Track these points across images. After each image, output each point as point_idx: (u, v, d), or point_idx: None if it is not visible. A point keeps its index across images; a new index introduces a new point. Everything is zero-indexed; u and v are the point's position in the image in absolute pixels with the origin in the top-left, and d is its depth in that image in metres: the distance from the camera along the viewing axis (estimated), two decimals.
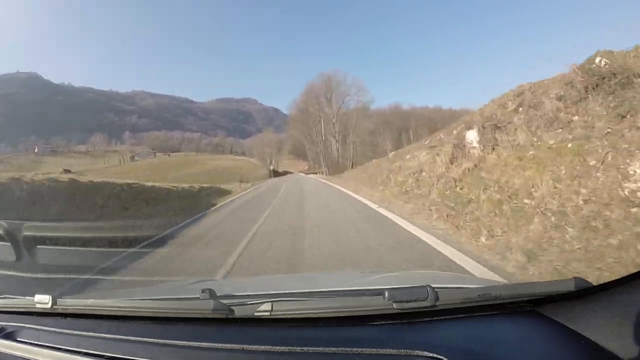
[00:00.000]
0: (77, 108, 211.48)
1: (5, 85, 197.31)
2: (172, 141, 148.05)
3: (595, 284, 0.78)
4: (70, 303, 1.14)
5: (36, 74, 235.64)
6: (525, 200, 3.82)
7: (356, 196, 9.91)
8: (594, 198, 3.09)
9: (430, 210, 5.55)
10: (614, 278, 0.78)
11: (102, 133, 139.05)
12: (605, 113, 4.01)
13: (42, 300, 1.11)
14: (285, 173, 77.47)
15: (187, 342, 0.86)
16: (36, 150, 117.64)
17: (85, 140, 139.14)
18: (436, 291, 0.80)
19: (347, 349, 0.75)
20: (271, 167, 66.01)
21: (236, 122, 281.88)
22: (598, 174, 3.31)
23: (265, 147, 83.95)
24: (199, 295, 0.98)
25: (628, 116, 3.71)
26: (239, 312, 0.92)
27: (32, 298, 1.15)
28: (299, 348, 0.78)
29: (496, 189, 4.52)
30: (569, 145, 4.05)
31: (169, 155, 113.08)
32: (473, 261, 3.05)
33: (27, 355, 0.97)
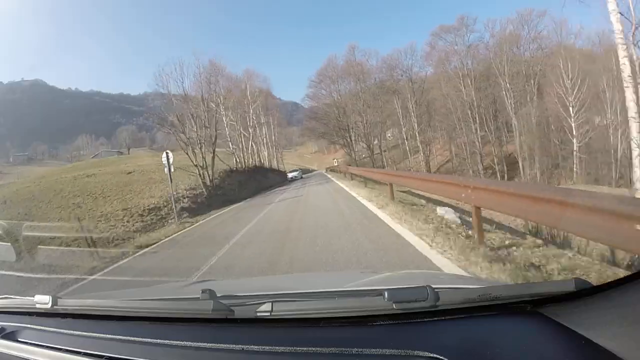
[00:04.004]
0: (82, 112, 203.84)
1: (8, 93, 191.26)
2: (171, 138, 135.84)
3: (595, 284, 0.77)
4: (71, 303, 1.13)
5: (41, 80, 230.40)
6: None
7: None
8: None
9: None
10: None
11: (90, 135, 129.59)
12: None
13: (42, 301, 1.11)
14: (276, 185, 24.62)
15: (187, 343, 0.86)
16: (11, 159, 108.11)
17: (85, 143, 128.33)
18: (436, 291, 0.79)
19: (348, 349, 0.75)
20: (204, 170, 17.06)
21: None
22: None
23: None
24: (199, 296, 0.97)
25: None
26: (239, 312, 0.91)
27: (32, 298, 1.14)
28: (299, 348, 0.77)
29: None
30: None
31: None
32: None
33: (27, 356, 0.96)
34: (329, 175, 26.08)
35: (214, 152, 20.95)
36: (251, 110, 33.76)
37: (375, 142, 35.22)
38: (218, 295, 0.97)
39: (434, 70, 36.22)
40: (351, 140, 36.15)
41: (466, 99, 31.45)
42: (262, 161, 35.72)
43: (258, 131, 36.45)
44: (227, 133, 28.18)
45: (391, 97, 34.54)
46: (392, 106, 34.79)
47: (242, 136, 31.36)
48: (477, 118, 30.95)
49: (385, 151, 37.92)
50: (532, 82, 32.07)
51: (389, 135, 39.67)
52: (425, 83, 36.15)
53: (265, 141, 38.51)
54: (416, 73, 36.96)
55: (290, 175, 32.74)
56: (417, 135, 33.56)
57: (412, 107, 33.11)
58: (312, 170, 50.15)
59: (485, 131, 31.81)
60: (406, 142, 35.01)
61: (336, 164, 39.89)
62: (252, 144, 33.13)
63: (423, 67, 37.35)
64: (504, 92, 31.68)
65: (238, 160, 27.67)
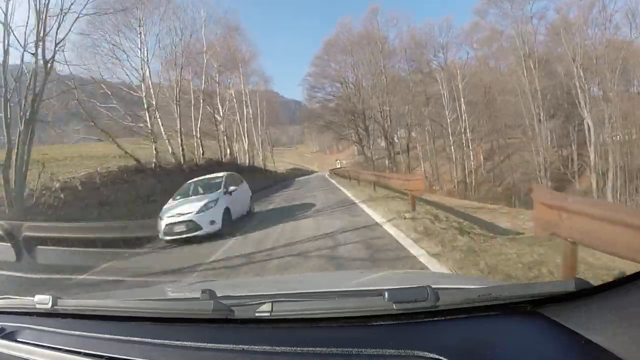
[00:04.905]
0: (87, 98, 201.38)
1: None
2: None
3: (595, 284, 0.77)
4: (71, 303, 1.13)
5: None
6: None
7: None
8: None
9: None
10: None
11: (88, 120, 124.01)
12: None
13: (43, 301, 1.10)
14: None
15: (187, 343, 0.86)
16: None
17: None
18: (436, 292, 0.79)
19: (348, 349, 0.75)
20: None
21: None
22: None
23: None
24: (199, 296, 0.97)
25: None
26: (239, 312, 0.91)
27: (32, 298, 1.13)
28: (299, 349, 0.78)
29: None
30: None
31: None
32: None
33: (27, 356, 0.96)
34: (348, 193, 11.97)
35: (7, 128, 8.56)
36: (206, 58, 20.66)
37: (395, 138, 26.51)
38: (218, 295, 0.97)
39: (480, 47, 27.70)
40: (368, 133, 26.20)
41: (529, 87, 22.79)
42: (235, 155, 24.08)
43: (237, 110, 24.96)
44: (153, 94, 16.20)
45: (424, 79, 25.93)
46: (423, 91, 26.16)
47: (191, 107, 19.47)
48: (541, 113, 22.33)
49: (399, 153, 29.24)
50: (614, 70, 23.19)
51: (395, 137, 31.70)
52: (465, 66, 27.60)
53: (246, 127, 26.83)
54: (454, 53, 28.50)
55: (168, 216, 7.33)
56: (467, 130, 24.98)
57: (460, 89, 24.49)
58: (312, 172, 41.14)
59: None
60: (451, 138, 26.13)
61: (339, 166, 31.90)
62: (216, 125, 20.65)
63: (461, 45, 28.96)
64: (576, 83, 22.85)
65: (172, 149, 15.70)
